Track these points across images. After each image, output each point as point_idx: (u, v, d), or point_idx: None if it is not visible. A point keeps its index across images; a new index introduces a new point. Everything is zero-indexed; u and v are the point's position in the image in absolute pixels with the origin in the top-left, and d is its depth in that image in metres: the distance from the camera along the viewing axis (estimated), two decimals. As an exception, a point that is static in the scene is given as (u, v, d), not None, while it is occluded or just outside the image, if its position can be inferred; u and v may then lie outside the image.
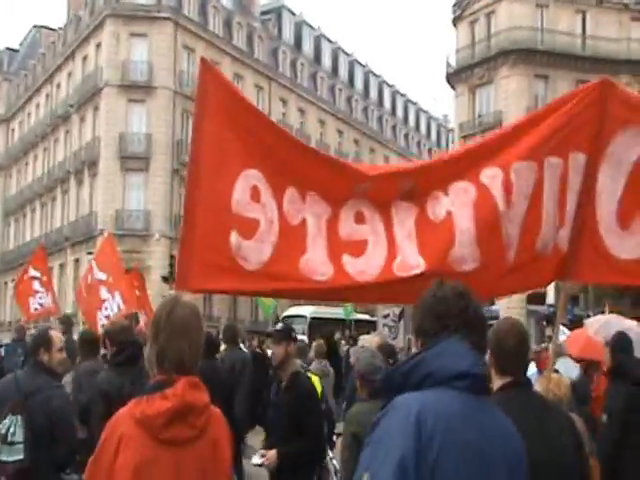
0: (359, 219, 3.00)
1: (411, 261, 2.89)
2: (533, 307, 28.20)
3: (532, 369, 6.27)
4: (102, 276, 9.42)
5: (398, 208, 2.99)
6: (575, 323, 25.65)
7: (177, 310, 2.24)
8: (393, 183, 3.04)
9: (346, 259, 2.95)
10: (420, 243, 2.93)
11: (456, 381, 1.63)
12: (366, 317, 23.21)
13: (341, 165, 3.27)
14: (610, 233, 2.96)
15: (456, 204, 2.91)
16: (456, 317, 1.77)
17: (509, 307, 28.71)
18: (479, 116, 32.58)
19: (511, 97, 30.95)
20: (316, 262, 2.93)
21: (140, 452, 2.07)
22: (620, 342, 4.92)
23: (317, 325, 23.09)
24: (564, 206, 2.92)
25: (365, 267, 2.94)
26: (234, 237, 2.90)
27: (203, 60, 3.30)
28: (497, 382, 2.38)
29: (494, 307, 28.55)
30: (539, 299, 26.88)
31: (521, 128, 3.01)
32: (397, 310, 8.81)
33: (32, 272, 10.81)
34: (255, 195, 2.94)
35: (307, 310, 24.11)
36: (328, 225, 2.99)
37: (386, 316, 8.88)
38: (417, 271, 2.85)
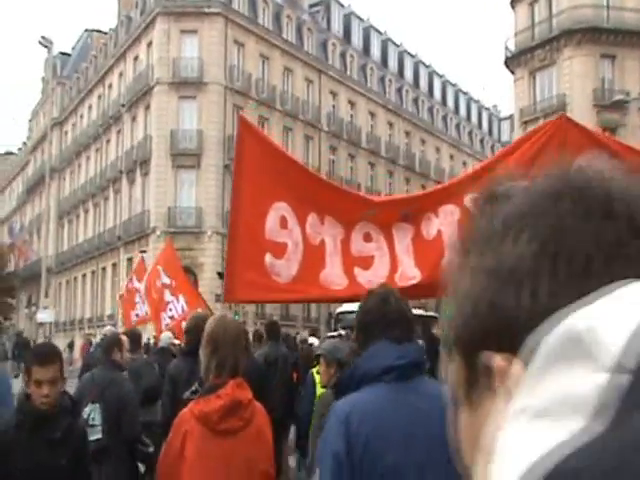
0: (367, 238, 3.68)
1: (409, 273, 3.57)
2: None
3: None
4: (167, 280, 10.11)
5: (398, 229, 3.66)
6: None
7: (230, 326, 2.86)
8: (394, 208, 3.79)
9: (357, 271, 3.65)
10: (416, 257, 3.58)
11: (385, 376, 2.04)
12: (420, 312, 22.06)
13: (352, 194, 4.24)
14: None
15: (444, 223, 3.54)
16: (379, 322, 2.14)
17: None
18: (540, 101, 31.08)
19: (576, 79, 29.36)
20: (333, 275, 3.63)
21: (201, 443, 2.63)
22: None
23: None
24: None
25: (372, 277, 3.53)
26: (268, 258, 3.67)
27: (242, 117, 4.11)
28: None
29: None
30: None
31: (497, 160, 3.69)
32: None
33: (136, 284, 11.57)
34: (283, 223, 3.70)
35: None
36: (342, 244, 3.67)
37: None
38: (414, 281, 3.52)
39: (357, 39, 44.47)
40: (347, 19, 44.08)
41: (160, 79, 33.27)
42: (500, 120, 62.55)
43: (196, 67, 33.04)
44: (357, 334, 2.29)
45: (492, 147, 59.76)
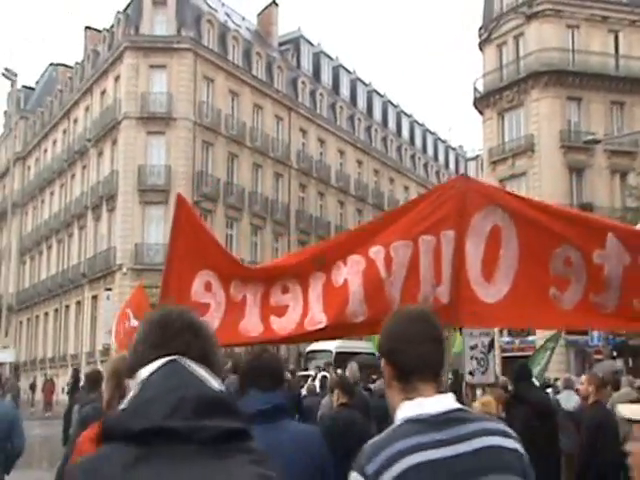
0: (284, 291, 4.12)
1: (316, 318, 3.94)
2: (573, 337, 26.66)
3: (574, 398, 7.90)
4: (135, 323, 10.28)
5: (314, 277, 4.04)
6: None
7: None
8: (310, 260, 4.20)
9: (272, 319, 4.09)
10: (324, 303, 3.96)
11: (255, 418, 2.41)
12: None
13: (276, 265, 5.03)
14: (478, 285, 3.82)
15: (351, 273, 3.90)
16: (252, 376, 2.74)
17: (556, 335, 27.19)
18: (509, 141, 31.50)
19: (543, 120, 29.87)
20: (251, 323, 4.11)
21: None
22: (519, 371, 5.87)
23: (343, 359, 21.84)
24: (440, 269, 3.82)
25: (285, 323, 4.05)
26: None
27: (179, 197, 4.56)
28: None
29: (530, 338, 27.13)
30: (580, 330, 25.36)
31: (397, 216, 4.11)
32: (486, 340, 7.47)
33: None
34: (208, 287, 4.20)
35: (332, 344, 22.86)
36: (262, 297, 4.16)
37: (473, 347, 7.53)
38: (320, 325, 3.91)
39: (327, 77, 44.84)
40: (316, 57, 44.49)
41: (128, 114, 32.80)
42: (467, 160, 63.55)
43: (165, 102, 32.71)
44: (240, 386, 2.87)
45: (459, 186, 60.54)
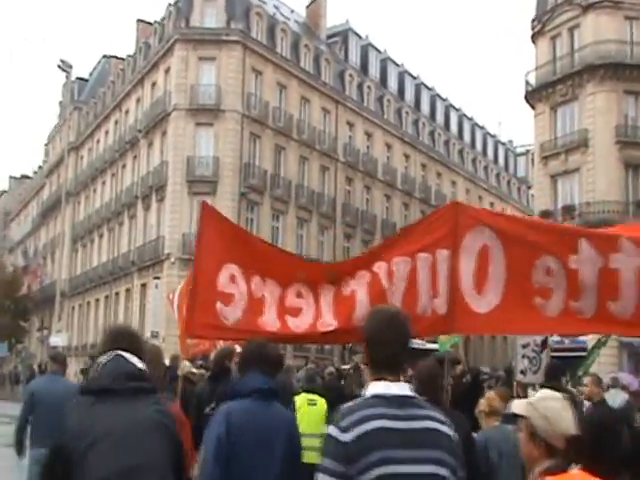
0: (299, 295, 4.80)
1: (328, 321, 4.67)
2: (628, 339, 25.86)
3: (621, 396, 8.15)
4: None
5: (324, 289, 4.75)
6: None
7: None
8: (322, 273, 5.04)
9: (287, 318, 4.75)
10: (334, 309, 4.69)
11: (253, 393, 3.10)
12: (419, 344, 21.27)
13: (290, 259, 5.60)
14: (471, 297, 4.28)
15: (357, 284, 4.60)
16: (256, 360, 3.26)
17: (595, 338, 26.49)
18: (562, 136, 30.67)
19: (598, 115, 28.96)
20: (270, 320, 4.74)
21: None
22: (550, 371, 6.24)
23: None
24: (436, 283, 4.36)
25: (300, 323, 4.73)
26: (219, 304, 4.81)
27: (204, 204, 5.24)
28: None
29: (581, 338, 26.45)
30: None
31: (398, 238, 5.23)
32: (539, 339, 7.28)
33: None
34: (232, 279, 4.83)
35: None
36: (279, 299, 4.81)
37: (525, 346, 7.34)
38: (331, 328, 4.64)
39: (374, 70, 44.53)
40: (364, 50, 44.21)
41: (177, 105, 33.28)
42: (516, 156, 62.25)
43: (214, 94, 33.05)
44: (239, 365, 3.48)
45: (508, 182, 59.36)
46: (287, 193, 35.45)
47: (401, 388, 2.15)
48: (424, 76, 50.85)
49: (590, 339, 24.89)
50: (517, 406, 2.32)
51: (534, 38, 32.14)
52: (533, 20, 32.25)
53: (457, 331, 4.88)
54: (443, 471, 2.07)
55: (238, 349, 10.63)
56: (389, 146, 43.93)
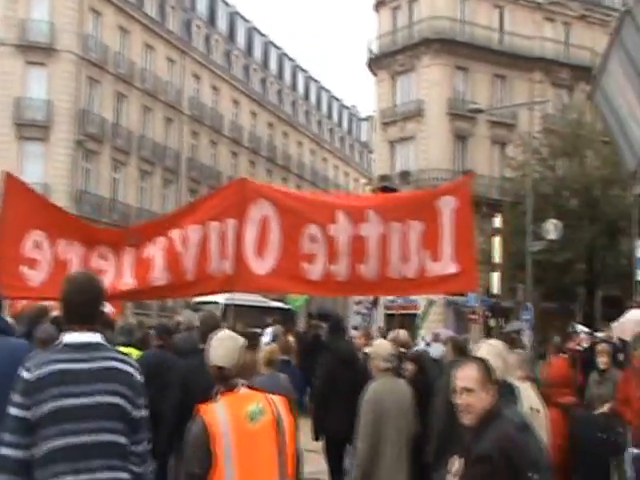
0: (102, 257, 5.24)
1: (127, 281, 5.10)
2: (453, 298, 28.36)
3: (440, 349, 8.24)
4: None
5: (126, 251, 5.19)
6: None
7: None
8: (123, 237, 5.46)
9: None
10: (134, 270, 5.15)
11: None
12: (280, 305, 22.15)
13: (90, 226, 6.57)
14: (253, 261, 5.01)
15: (155, 249, 5.06)
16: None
17: (428, 296, 28.81)
18: (401, 104, 32.38)
19: (432, 87, 30.94)
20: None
21: None
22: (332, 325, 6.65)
23: (232, 313, 21.94)
24: (225, 248, 4.97)
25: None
26: (23, 268, 5.17)
27: (8, 174, 5.49)
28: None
29: (412, 297, 28.59)
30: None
31: (192, 208, 5.57)
32: (371, 297, 7.94)
33: None
34: (38, 245, 5.14)
35: (222, 297, 22.66)
36: (84, 261, 5.20)
37: (358, 303, 7.97)
38: (129, 287, 5.15)
39: (222, 24, 43.56)
40: (212, 2, 43.02)
41: (4, 40, 30.25)
42: (359, 120, 64.55)
43: (47, 31, 30.49)
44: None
45: (351, 146, 61.51)
46: (128, 144, 33.97)
47: (89, 337, 2.50)
48: (273, 35, 50.78)
49: (420, 297, 27.03)
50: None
51: (377, 7, 33.34)
52: (376, -10, 33.37)
53: (241, 289, 5.40)
54: (118, 400, 2.45)
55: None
56: (236, 102, 43.53)
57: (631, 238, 19.83)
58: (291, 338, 10.90)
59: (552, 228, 19.40)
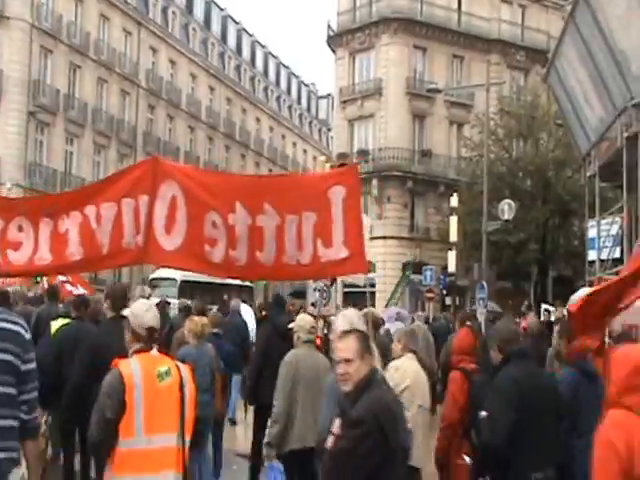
0: (20, 229, 5.23)
1: (44, 255, 5.18)
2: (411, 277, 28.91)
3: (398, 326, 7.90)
4: None
5: (44, 223, 5.20)
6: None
7: None
8: (40, 207, 5.45)
9: (9, 252, 5.22)
10: (50, 245, 5.19)
11: None
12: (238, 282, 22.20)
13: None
14: (162, 237, 5.10)
15: (71, 224, 5.18)
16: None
17: (386, 275, 29.29)
18: (359, 82, 32.45)
19: (391, 66, 31.09)
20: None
21: None
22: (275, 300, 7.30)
23: (189, 289, 21.92)
24: (138, 223, 5.09)
25: (19, 257, 5.20)
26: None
27: None
28: None
29: (371, 275, 29.09)
30: (417, 268, 27.57)
31: (107, 184, 5.60)
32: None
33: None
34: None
35: (178, 273, 22.51)
36: (1, 233, 5.25)
37: (316, 280, 8.09)
38: (46, 262, 5.25)
39: (181, -4, 42.67)
40: (171, -27, 42.05)
41: (-49, 5, 29.06)
42: (318, 98, 64.36)
43: (-3, -2, 29.35)
44: None
45: (310, 123, 61.35)
46: (83, 116, 33.13)
47: None
48: (232, 10, 50.01)
49: (377, 276, 27.46)
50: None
51: (337, -16, 33.12)
52: (336, -33, 33.15)
53: (150, 262, 5.70)
54: (9, 357, 2.79)
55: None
56: (194, 76, 42.86)
57: (583, 219, 20.49)
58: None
59: (507, 208, 19.89)
